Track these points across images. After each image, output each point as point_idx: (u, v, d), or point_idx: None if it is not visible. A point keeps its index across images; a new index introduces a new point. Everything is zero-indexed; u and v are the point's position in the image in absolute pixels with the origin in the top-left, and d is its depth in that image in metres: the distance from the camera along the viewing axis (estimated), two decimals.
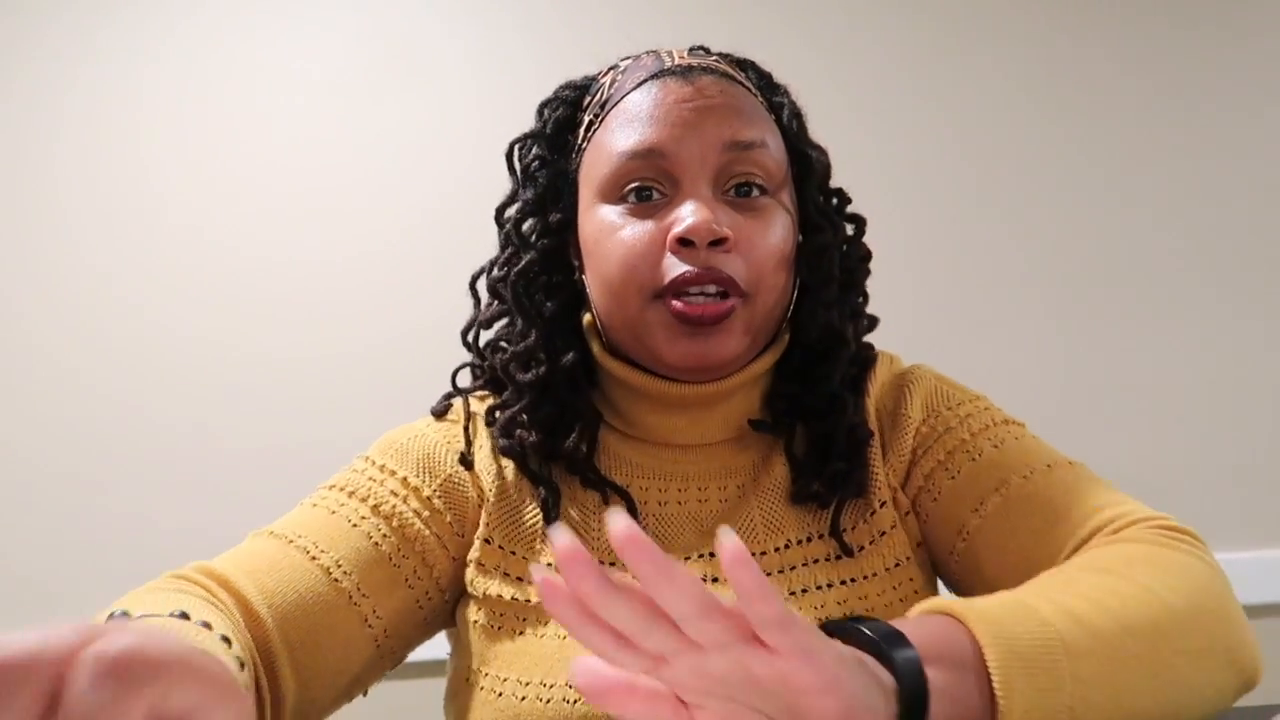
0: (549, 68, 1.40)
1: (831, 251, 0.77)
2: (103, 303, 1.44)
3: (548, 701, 0.68)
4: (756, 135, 0.72)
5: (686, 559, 0.73)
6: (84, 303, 1.44)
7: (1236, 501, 1.49)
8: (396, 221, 1.49)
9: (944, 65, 1.52)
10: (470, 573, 0.74)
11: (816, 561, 0.73)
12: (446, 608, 0.76)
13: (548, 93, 0.81)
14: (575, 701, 0.67)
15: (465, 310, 0.82)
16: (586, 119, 0.77)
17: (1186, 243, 1.53)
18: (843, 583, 0.72)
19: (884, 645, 0.47)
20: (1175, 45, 1.54)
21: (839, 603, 0.71)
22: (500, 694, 0.70)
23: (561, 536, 0.36)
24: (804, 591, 0.71)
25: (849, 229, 0.81)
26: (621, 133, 0.72)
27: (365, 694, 0.75)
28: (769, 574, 0.73)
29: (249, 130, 1.48)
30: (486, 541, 0.74)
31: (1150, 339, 1.51)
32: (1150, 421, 1.50)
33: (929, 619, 0.51)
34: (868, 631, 0.47)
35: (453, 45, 1.51)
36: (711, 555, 0.74)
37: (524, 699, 0.68)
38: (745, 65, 0.81)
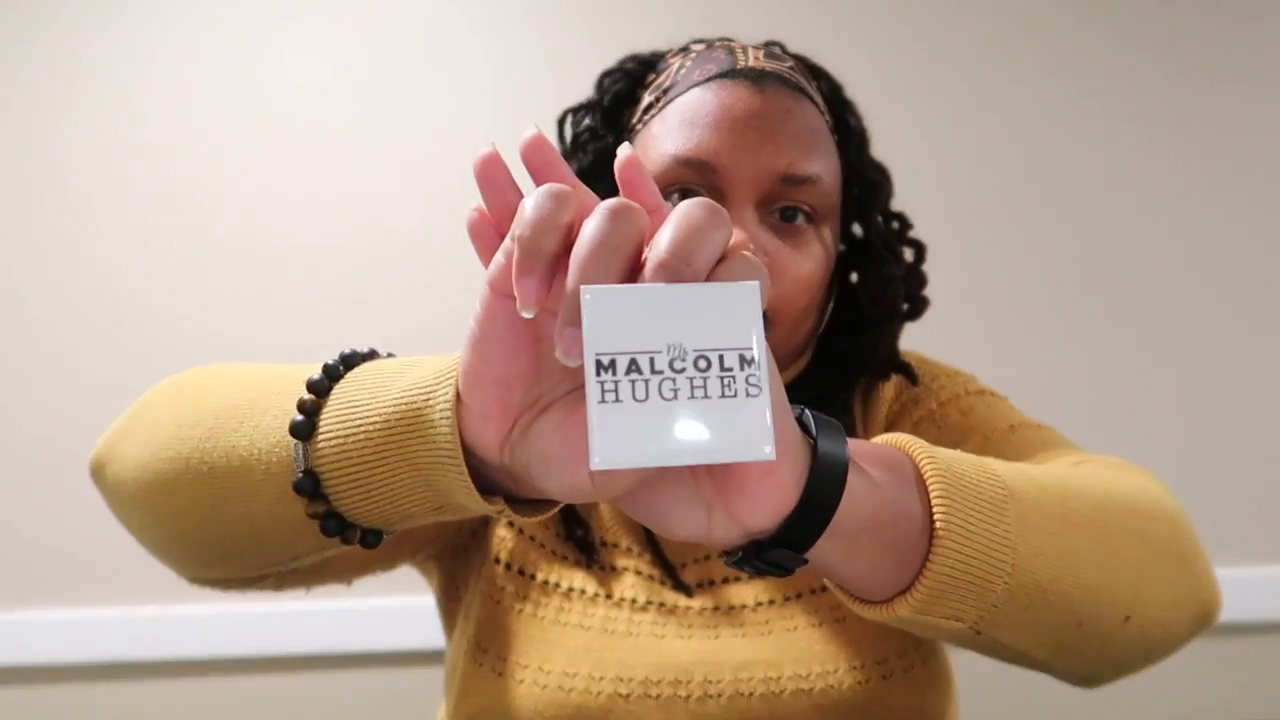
0: (564, 56, 1.38)
1: (896, 285, 0.77)
2: (113, 293, 1.44)
3: (544, 688, 0.69)
4: (813, 169, 0.69)
5: (684, 564, 0.75)
6: (93, 292, 1.44)
7: (1242, 518, 1.48)
8: (411, 210, 1.48)
9: (954, 68, 1.51)
10: (495, 524, 0.77)
11: None
12: (467, 525, 0.78)
13: (579, 73, 0.79)
14: (570, 690, 0.69)
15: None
16: (647, 99, 0.74)
17: (1199, 255, 1.51)
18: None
19: (808, 414, 0.45)
20: (1198, 51, 1.52)
21: (831, 608, 0.72)
22: (501, 674, 0.71)
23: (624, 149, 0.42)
24: (797, 596, 0.73)
25: (909, 254, 0.80)
26: (678, 132, 0.69)
27: (349, 584, 0.76)
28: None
29: (262, 120, 1.47)
30: None
31: (1158, 350, 1.50)
32: (1156, 434, 1.49)
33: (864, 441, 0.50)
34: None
35: (468, 33, 1.50)
36: (707, 557, 0.75)
37: (521, 682, 0.70)
38: (819, 74, 0.78)
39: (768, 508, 0.41)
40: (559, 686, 0.69)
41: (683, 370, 0.37)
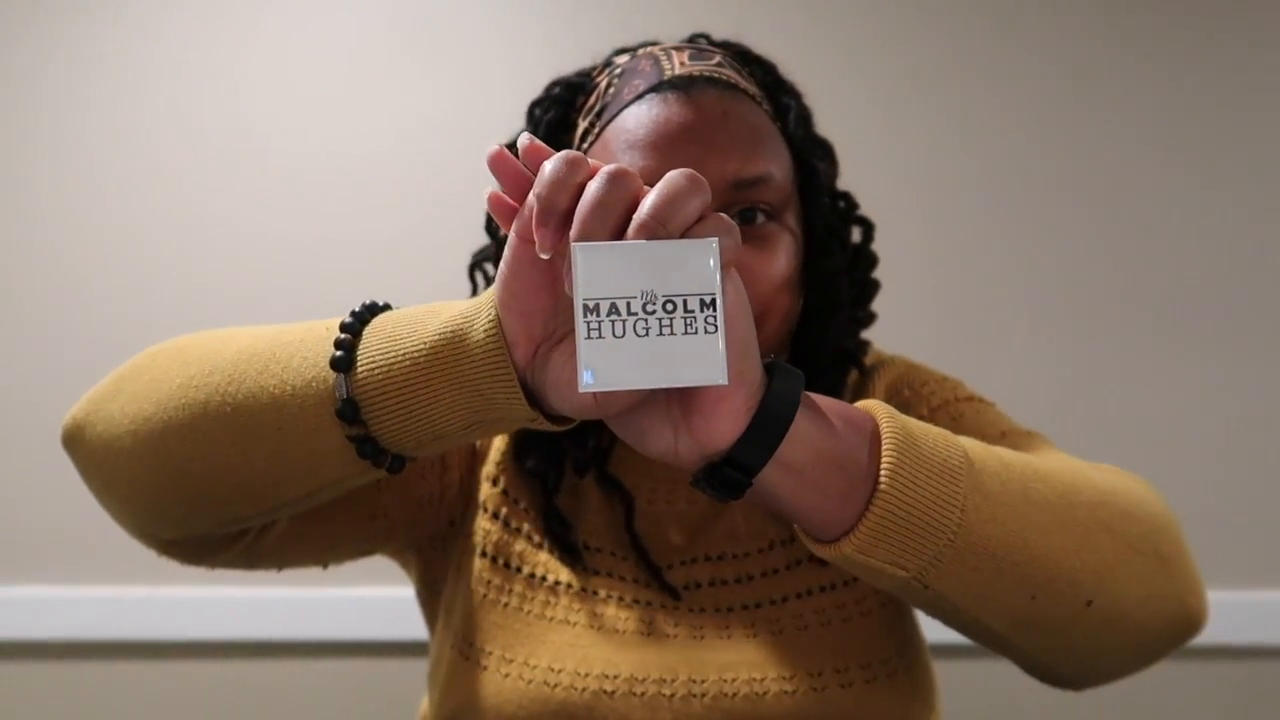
0: (578, 48, 1.37)
1: (840, 277, 0.76)
2: (108, 281, 1.45)
3: (529, 683, 0.70)
4: (761, 169, 0.69)
5: (670, 566, 0.75)
6: (88, 279, 1.45)
7: (1239, 540, 1.46)
8: (423, 204, 1.47)
9: (962, 71, 1.50)
10: (477, 517, 0.77)
11: (800, 563, 0.74)
12: (444, 515, 0.78)
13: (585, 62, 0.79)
14: (555, 686, 0.69)
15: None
16: (582, 126, 0.74)
17: (1200, 266, 1.49)
18: (823, 589, 0.73)
19: (775, 361, 0.52)
20: (1212, 56, 1.51)
21: (817, 612, 0.73)
22: (486, 668, 0.71)
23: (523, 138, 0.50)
24: (784, 600, 0.73)
25: (856, 234, 0.80)
26: (619, 159, 0.68)
27: (325, 567, 0.77)
28: (752, 577, 0.74)
29: (270, 112, 1.48)
30: (493, 483, 0.77)
31: (1161, 362, 1.48)
32: (1151, 452, 1.47)
33: (835, 399, 0.56)
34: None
35: (482, 21, 1.50)
36: (694, 560, 0.76)
37: (506, 676, 0.70)
38: (749, 60, 0.77)
39: (721, 430, 0.49)
40: (544, 682, 0.69)
41: (654, 312, 0.46)
